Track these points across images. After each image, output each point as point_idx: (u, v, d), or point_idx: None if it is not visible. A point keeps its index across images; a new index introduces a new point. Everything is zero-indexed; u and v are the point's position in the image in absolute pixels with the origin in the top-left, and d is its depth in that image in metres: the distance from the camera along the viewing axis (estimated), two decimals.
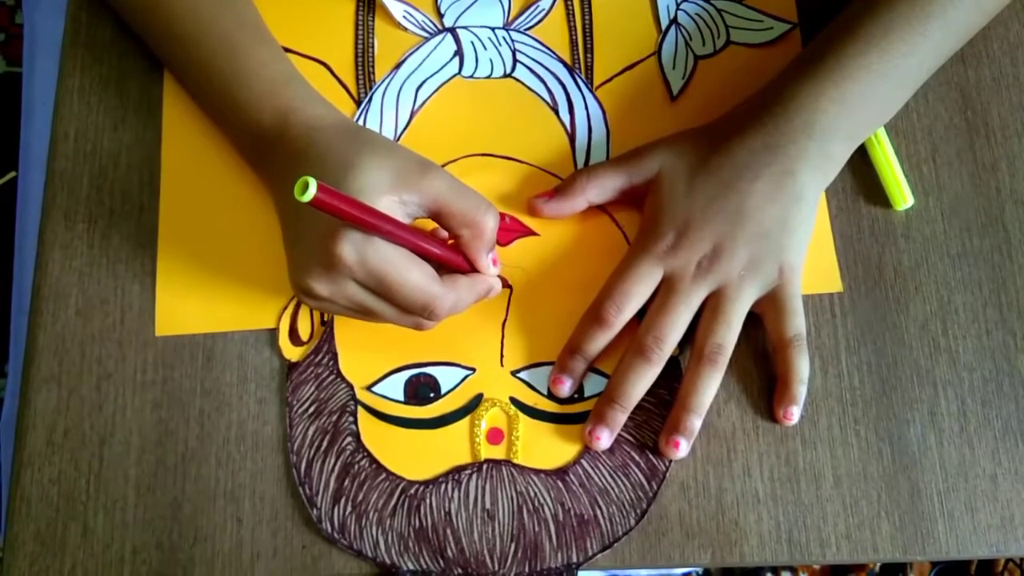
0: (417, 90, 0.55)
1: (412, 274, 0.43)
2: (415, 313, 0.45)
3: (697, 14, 0.56)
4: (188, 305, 0.52)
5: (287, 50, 0.55)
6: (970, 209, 0.52)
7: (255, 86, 0.49)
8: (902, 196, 0.52)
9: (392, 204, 0.44)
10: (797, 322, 0.48)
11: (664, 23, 0.56)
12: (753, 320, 0.49)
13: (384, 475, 0.49)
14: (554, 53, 0.56)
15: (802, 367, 0.48)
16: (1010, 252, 0.52)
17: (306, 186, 0.37)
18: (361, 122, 0.54)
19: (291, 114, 0.48)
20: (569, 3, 0.57)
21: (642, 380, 0.48)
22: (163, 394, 0.50)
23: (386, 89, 0.55)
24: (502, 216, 0.52)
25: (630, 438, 0.49)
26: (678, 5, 0.56)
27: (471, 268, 0.47)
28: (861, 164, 0.53)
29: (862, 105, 0.49)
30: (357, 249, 0.42)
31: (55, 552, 0.48)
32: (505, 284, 0.51)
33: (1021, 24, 0.55)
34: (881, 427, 0.49)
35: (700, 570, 0.91)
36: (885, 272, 0.51)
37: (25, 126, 0.70)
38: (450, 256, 0.46)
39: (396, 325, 0.46)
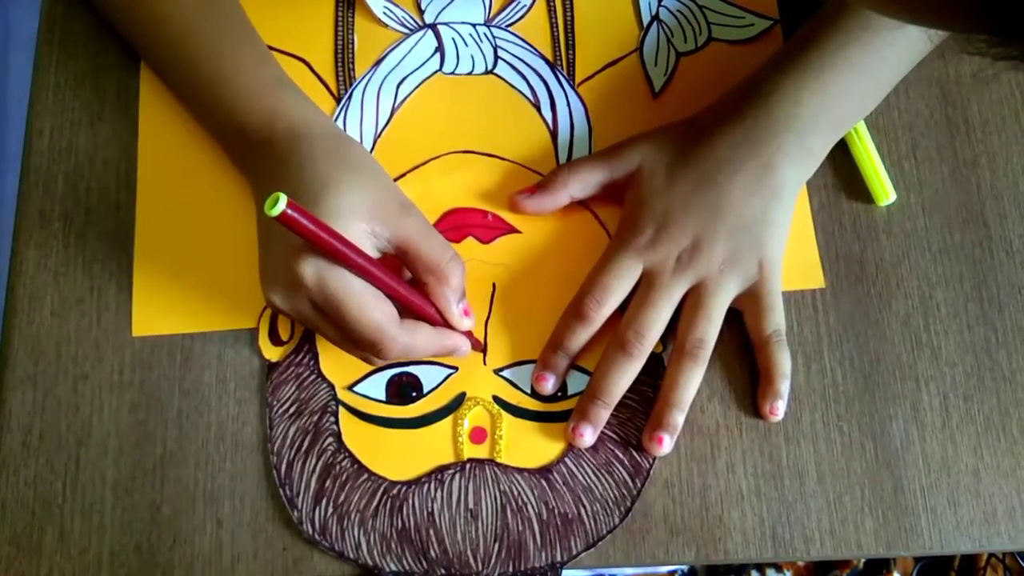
0: (398, 87, 0.54)
1: (368, 310, 0.42)
2: (363, 348, 0.44)
3: (679, 11, 0.56)
4: (166, 305, 0.51)
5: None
6: (951, 205, 0.52)
7: (241, 88, 0.48)
8: (884, 192, 0.52)
9: (362, 233, 0.43)
10: (777, 318, 0.48)
11: (646, 20, 0.56)
12: (736, 316, 0.49)
13: (366, 475, 0.48)
14: (536, 50, 0.55)
15: (784, 362, 0.48)
16: (991, 247, 0.52)
17: (276, 201, 0.37)
18: (341, 119, 0.54)
19: (276, 118, 0.47)
20: (551, 0, 0.57)
21: (624, 376, 0.48)
22: (141, 395, 0.50)
23: (366, 86, 0.54)
24: (484, 213, 0.52)
25: (614, 436, 0.49)
26: (659, 2, 0.56)
27: (442, 319, 0.46)
28: (843, 160, 0.53)
29: (842, 99, 0.49)
30: (318, 272, 0.41)
31: (31, 556, 0.47)
32: (477, 347, 0.49)
33: None
34: (864, 423, 0.49)
35: (685, 568, 0.91)
36: (867, 268, 0.51)
37: None
38: (419, 303, 0.45)
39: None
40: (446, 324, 0.46)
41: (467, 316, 0.47)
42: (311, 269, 0.41)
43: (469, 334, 0.48)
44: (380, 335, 0.43)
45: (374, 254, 0.44)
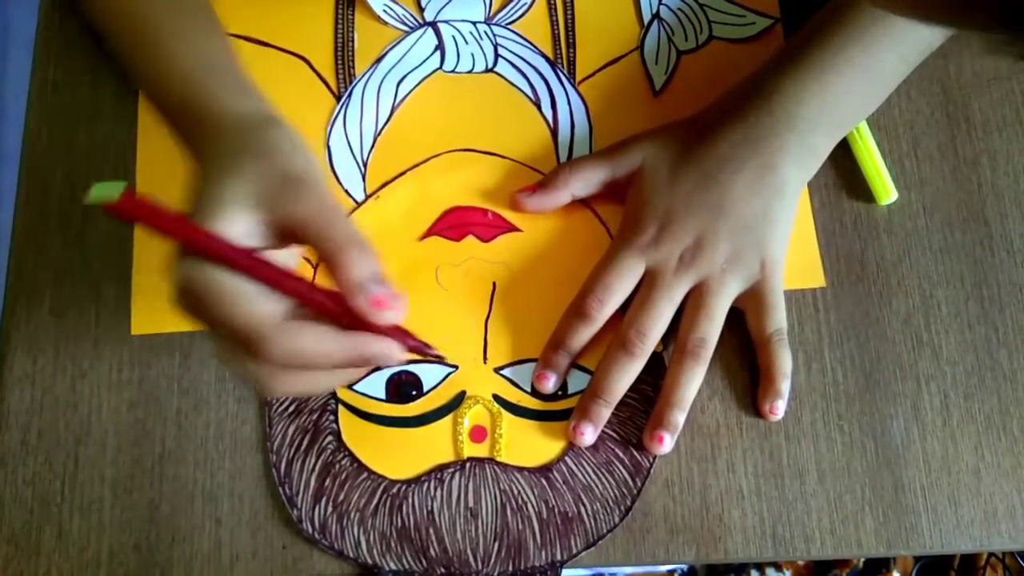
0: (398, 85, 0.54)
1: (236, 307, 0.36)
2: (244, 347, 0.37)
3: (679, 9, 0.56)
4: (164, 303, 0.50)
5: (267, 44, 0.54)
6: (952, 203, 0.52)
7: (175, 82, 0.44)
8: (885, 191, 0.52)
9: (249, 223, 0.38)
10: (778, 317, 0.48)
11: (646, 18, 0.56)
12: (736, 316, 0.49)
13: (366, 474, 0.48)
14: (536, 48, 0.55)
15: (785, 361, 0.48)
16: (991, 246, 0.52)
17: (106, 189, 0.33)
18: (341, 117, 0.54)
19: (203, 111, 0.43)
20: None
21: (625, 375, 0.48)
22: (139, 393, 0.50)
23: (366, 84, 0.54)
24: (485, 212, 0.52)
25: (614, 435, 0.49)
26: (660, 0, 0.56)
27: (358, 321, 0.38)
28: (844, 159, 0.53)
29: (844, 98, 0.49)
30: (185, 272, 0.37)
31: (30, 555, 0.47)
32: (420, 351, 0.40)
33: None
34: (864, 422, 0.49)
35: (685, 567, 0.91)
36: (868, 267, 0.51)
37: None
38: (320, 299, 0.38)
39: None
40: (369, 326, 0.38)
41: (381, 307, 0.37)
42: (180, 271, 0.37)
43: (407, 335, 0.40)
44: (255, 335, 0.36)
45: (267, 244, 0.39)
